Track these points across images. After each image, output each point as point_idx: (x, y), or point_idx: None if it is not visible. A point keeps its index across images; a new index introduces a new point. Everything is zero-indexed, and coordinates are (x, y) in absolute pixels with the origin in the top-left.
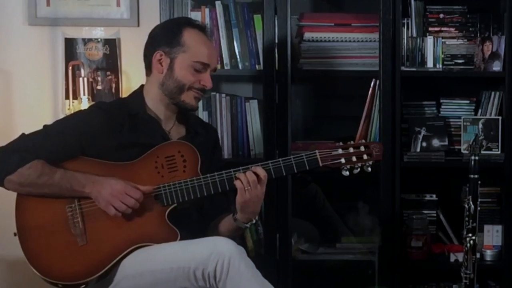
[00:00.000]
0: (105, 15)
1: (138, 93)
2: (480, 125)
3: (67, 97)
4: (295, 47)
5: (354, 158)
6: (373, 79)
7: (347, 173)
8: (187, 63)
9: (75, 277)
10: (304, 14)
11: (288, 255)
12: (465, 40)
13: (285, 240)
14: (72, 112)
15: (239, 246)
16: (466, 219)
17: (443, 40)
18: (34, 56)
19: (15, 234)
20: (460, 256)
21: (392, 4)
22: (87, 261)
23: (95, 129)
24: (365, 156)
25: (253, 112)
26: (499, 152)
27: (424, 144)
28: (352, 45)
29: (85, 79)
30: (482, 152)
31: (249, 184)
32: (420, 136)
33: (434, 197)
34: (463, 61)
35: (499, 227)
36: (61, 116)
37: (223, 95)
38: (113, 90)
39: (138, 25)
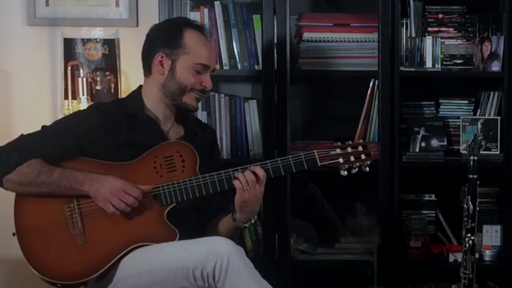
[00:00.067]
0: (104, 15)
1: (136, 94)
2: (479, 125)
3: (66, 97)
4: (294, 47)
5: (352, 158)
6: (372, 79)
7: (345, 173)
8: (188, 65)
9: (74, 276)
10: (303, 14)
11: (287, 255)
12: (464, 40)
13: (284, 240)
14: (71, 112)
15: (238, 246)
16: (465, 219)
17: (442, 40)
18: (33, 56)
19: (13, 234)
20: (459, 256)
21: (391, 4)
22: (86, 261)
23: (93, 129)
24: (363, 156)
25: (252, 112)
26: (498, 152)
27: (423, 144)
28: (351, 45)
29: (84, 79)
30: (481, 152)
31: (248, 184)
32: (419, 136)
33: (433, 197)
34: (462, 61)
35: (498, 227)
36: (60, 116)
37: (222, 95)
38: (112, 90)
39: (137, 25)
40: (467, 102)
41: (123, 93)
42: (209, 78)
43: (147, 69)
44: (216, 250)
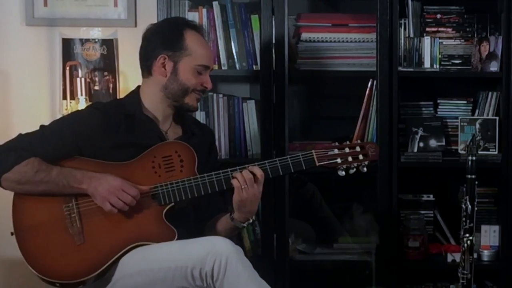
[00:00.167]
0: (103, 15)
1: (135, 94)
2: (477, 126)
3: (64, 97)
4: (292, 47)
5: (350, 158)
6: (370, 79)
7: (343, 173)
8: (190, 66)
9: (72, 276)
10: (302, 15)
11: (285, 256)
12: (462, 40)
13: (282, 241)
14: (69, 112)
15: (237, 245)
16: (463, 219)
17: (440, 40)
18: (31, 56)
19: (12, 234)
20: (457, 256)
21: (389, 4)
22: (85, 260)
23: (91, 129)
24: (360, 156)
25: (250, 113)
26: (496, 153)
27: (421, 144)
28: (349, 45)
29: (83, 79)
30: (479, 152)
31: (246, 183)
32: (417, 137)
33: (431, 197)
34: (460, 61)
35: (496, 227)
36: (59, 116)
37: (221, 95)
38: (111, 91)
39: (136, 26)
40: (465, 102)
41: (122, 93)
42: (209, 78)
43: (147, 70)
44: (215, 250)
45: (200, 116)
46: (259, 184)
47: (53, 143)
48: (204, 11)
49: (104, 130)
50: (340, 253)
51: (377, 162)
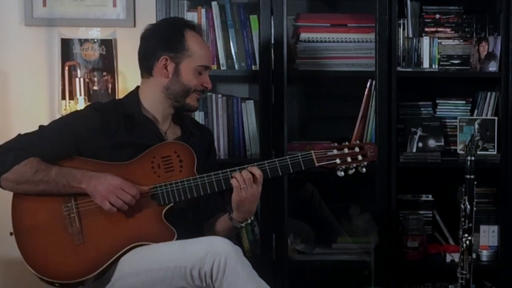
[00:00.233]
0: (101, 15)
1: (134, 94)
2: (476, 126)
3: (63, 98)
4: (291, 47)
5: (349, 159)
6: (369, 80)
7: (342, 173)
8: (192, 67)
9: (72, 276)
10: (300, 15)
11: (284, 256)
12: (461, 40)
13: (281, 241)
14: (68, 112)
15: (236, 245)
16: (462, 219)
17: (439, 40)
18: (30, 56)
19: (11, 234)
20: (456, 257)
21: (388, 4)
22: (84, 260)
23: (90, 129)
24: (359, 157)
25: (249, 113)
26: (495, 153)
27: (420, 144)
28: (348, 45)
29: (82, 79)
30: (478, 152)
31: (245, 182)
32: (416, 137)
33: (430, 197)
34: (459, 61)
35: (495, 228)
36: (58, 116)
37: (219, 95)
38: (110, 91)
39: (135, 26)
40: (464, 102)
41: (121, 93)
42: (208, 78)
43: (147, 71)
44: (214, 250)
45: (199, 116)
46: (258, 184)
47: (52, 143)
48: (203, 11)
49: (103, 130)
50: (339, 253)
51: (376, 162)
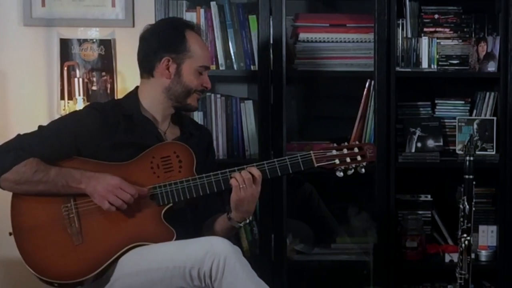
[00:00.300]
0: (100, 15)
1: (133, 95)
2: (475, 126)
3: (62, 98)
4: (290, 47)
5: (348, 159)
6: (368, 80)
7: (341, 174)
8: (193, 68)
9: (71, 276)
10: (299, 15)
11: (283, 256)
12: (460, 40)
13: (280, 241)
14: (67, 112)
15: (235, 246)
16: (461, 219)
17: (438, 40)
18: (29, 56)
19: (10, 234)
20: (455, 257)
21: (387, 4)
22: (83, 260)
23: (90, 129)
24: (358, 157)
25: (248, 113)
26: (494, 153)
27: (419, 144)
28: (347, 45)
29: (80, 79)
30: (477, 152)
31: (244, 182)
32: (415, 137)
33: (429, 197)
34: (458, 61)
35: (494, 228)
36: (57, 116)
37: (218, 95)
38: (108, 91)
39: (133, 26)
40: (463, 102)
41: (119, 93)
42: (208, 78)
43: (148, 72)
44: (213, 250)
45: (198, 116)
46: (257, 185)
47: (52, 143)
48: (202, 11)
49: (102, 130)
50: (338, 253)
51: (375, 162)
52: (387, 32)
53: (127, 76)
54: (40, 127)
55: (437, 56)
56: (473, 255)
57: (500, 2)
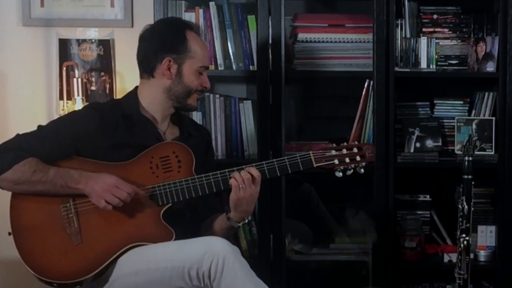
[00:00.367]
0: (99, 15)
1: (133, 95)
2: (474, 126)
3: (61, 98)
4: (289, 47)
5: (347, 160)
6: (367, 80)
7: (340, 174)
8: (194, 68)
9: (70, 276)
10: (298, 15)
11: (281, 256)
12: (459, 40)
13: (279, 241)
14: (66, 112)
15: (234, 245)
16: (460, 219)
17: (436, 40)
18: (28, 56)
19: (9, 234)
20: (453, 257)
21: (385, 5)
22: (82, 260)
23: (89, 129)
24: (358, 158)
25: (247, 113)
26: (492, 153)
27: (417, 144)
28: (346, 45)
29: (79, 79)
30: (476, 152)
31: (244, 182)
32: (414, 137)
33: (427, 197)
34: (456, 61)
35: (492, 228)
36: (55, 116)
37: (217, 95)
38: (107, 91)
39: (132, 26)
40: (462, 102)
41: (118, 93)
42: (207, 78)
43: (148, 72)
44: (212, 250)
45: (196, 116)
46: (257, 185)
47: (51, 143)
48: (201, 11)
49: (101, 130)
50: (336, 253)
51: (374, 162)
52: (386, 32)
53: (126, 76)
54: (39, 127)
55: (436, 56)
56: (472, 255)
57: (499, 2)
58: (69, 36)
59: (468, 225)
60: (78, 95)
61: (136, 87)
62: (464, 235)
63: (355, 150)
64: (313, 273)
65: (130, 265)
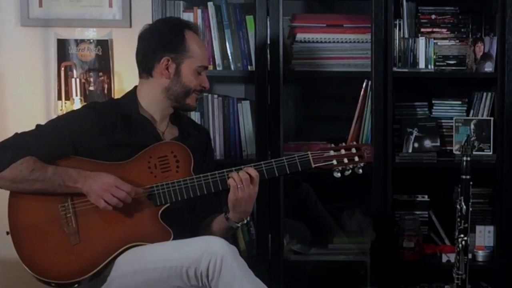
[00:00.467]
0: (98, 16)
1: (132, 94)
2: (472, 126)
3: (59, 98)
4: (287, 48)
5: (345, 160)
6: (365, 80)
7: (339, 174)
8: (192, 68)
9: (68, 276)
10: (296, 15)
11: (280, 256)
12: (457, 41)
13: (277, 241)
14: (64, 113)
15: (232, 245)
16: (458, 219)
17: (435, 41)
18: (26, 57)
19: (7, 233)
20: (452, 257)
21: (384, 5)
22: (80, 260)
23: (87, 129)
24: (356, 158)
25: (245, 113)
26: (490, 153)
27: (416, 144)
28: (344, 46)
29: (78, 80)
30: (474, 153)
31: (242, 182)
32: (412, 137)
33: (426, 197)
34: (455, 62)
35: (491, 228)
36: (54, 117)
37: (215, 96)
38: (105, 91)
39: (131, 26)
40: (460, 102)
41: (117, 94)
42: (206, 78)
43: (147, 72)
44: (210, 249)
45: (195, 116)
46: (255, 185)
47: (49, 142)
48: (199, 11)
49: (99, 130)
50: (335, 254)
51: (372, 163)
52: (384, 32)
53: (124, 77)
54: (37, 126)
55: (434, 57)
56: (470, 255)
57: (497, 3)
58: (67, 36)
59: (466, 225)
60: (76, 95)
61: (136, 87)
62: (462, 235)
63: (354, 150)
64: (311, 273)
65: (128, 265)
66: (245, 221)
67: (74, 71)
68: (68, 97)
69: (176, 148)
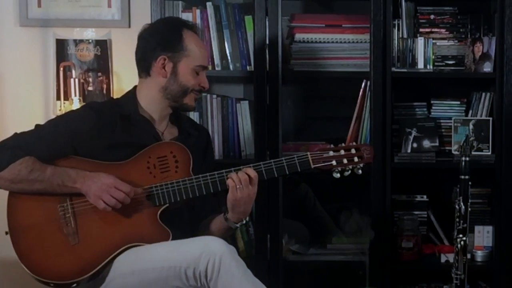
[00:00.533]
0: (96, 16)
1: (131, 94)
2: (471, 126)
3: (58, 98)
4: (286, 48)
5: (345, 161)
6: (364, 80)
7: (338, 175)
8: (190, 67)
9: (67, 276)
10: (295, 15)
11: (278, 256)
12: (456, 41)
13: (276, 241)
14: (63, 113)
15: (230, 245)
16: (457, 220)
17: (433, 41)
18: (25, 57)
19: (6, 233)
20: (450, 257)
21: (382, 5)
22: (79, 260)
23: (86, 128)
24: (356, 159)
25: (244, 113)
26: (489, 153)
27: (414, 145)
28: (343, 46)
29: (76, 80)
30: (473, 153)
31: (241, 183)
32: (411, 137)
33: (424, 198)
34: (453, 62)
35: (489, 228)
36: (53, 117)
37: (214, 96)
38: (104, 91)
39: (129, 26)
40: (459, 103)
41: (116, 94)
42: (206, 78)
43: (145, 71)
44: (209, 249)
45: (194, 116)
46: (254, 185)
47: (48, 142)
48: (198, 12)
49: (99, 130)
50: (333, 254)
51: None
52: (383, 32)
53: (123, 77)
54: (37, 126)
55: (433, 57)
56: (469, 256)
57: (495, 3)
58: (66, 37)
59: (465, 225)
60: (75, 95)
61: (135, 87)
62: (461, 235)
63: (353, 151)
64: (310, 273)
65: (127, 265)
66: (244, 222)
67: (73, 71)
68: (67, 97)
69: (176, 148)
